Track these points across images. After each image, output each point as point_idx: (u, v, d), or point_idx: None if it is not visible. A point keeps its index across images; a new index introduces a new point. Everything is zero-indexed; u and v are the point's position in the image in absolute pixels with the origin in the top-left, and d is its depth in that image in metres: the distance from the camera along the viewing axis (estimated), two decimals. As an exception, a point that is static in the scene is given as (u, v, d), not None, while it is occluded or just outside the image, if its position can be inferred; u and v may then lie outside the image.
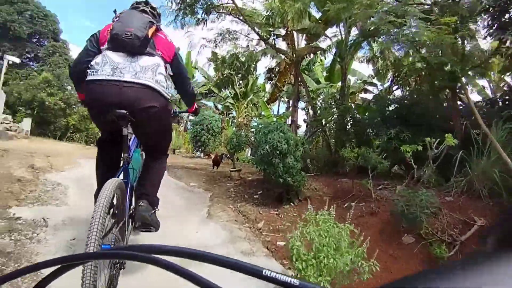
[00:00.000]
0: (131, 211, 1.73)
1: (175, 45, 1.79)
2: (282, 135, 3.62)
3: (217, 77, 13.49)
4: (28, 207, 2.73)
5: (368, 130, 5.26)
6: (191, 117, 18.03)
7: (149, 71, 1.55)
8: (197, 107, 2.27)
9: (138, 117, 1.55)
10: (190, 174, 5.34)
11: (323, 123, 6.12)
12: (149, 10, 1.81)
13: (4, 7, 21.93)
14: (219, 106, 18.53)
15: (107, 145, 1.86)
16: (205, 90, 15.90)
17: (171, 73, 1.74)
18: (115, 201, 1.44)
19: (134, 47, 1.54)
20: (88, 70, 1.55)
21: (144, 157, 2.08)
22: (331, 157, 5.55)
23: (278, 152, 3.54)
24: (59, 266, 0.38)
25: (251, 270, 0.30)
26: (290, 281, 0.28)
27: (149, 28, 1.60)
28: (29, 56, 24.55)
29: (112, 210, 1.41)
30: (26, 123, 15.54)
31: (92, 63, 1.55)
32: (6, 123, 13.30)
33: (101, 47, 1.63)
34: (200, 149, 10.30)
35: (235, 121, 14.41)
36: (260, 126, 4.24)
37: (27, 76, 20.74)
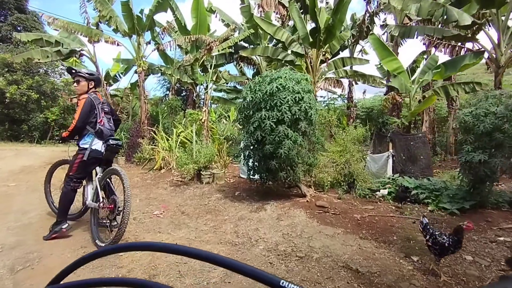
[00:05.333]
0: None
1: None
2: None
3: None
4: None
5: None
6: (218, 89, 10.95)
7: None
8: None
9: None
10: None
11: None
12: None
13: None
14: (249, 73, 11.17)
15: None
16: (229, 48, 8.85)
17: None
18: None
19: None
20: None
21: None
22: None
23: None
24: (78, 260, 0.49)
25: (268, 279, 0.28)
26: None
27: None
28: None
29: None
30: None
31: None
32: None
33: None
34: (266, 175, 4.12)
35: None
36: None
37: (-12, 63, 14.47)
